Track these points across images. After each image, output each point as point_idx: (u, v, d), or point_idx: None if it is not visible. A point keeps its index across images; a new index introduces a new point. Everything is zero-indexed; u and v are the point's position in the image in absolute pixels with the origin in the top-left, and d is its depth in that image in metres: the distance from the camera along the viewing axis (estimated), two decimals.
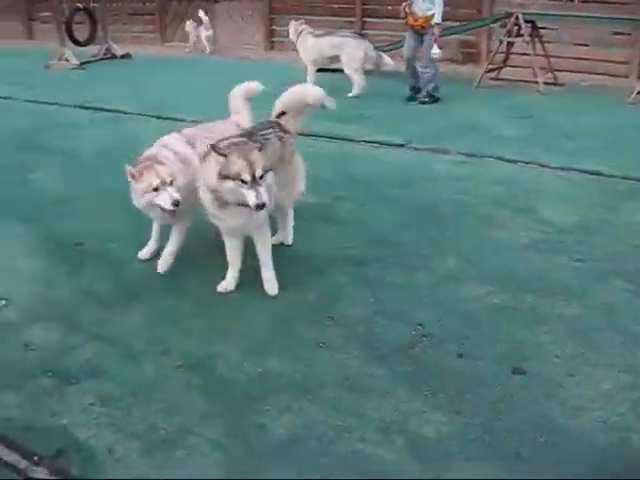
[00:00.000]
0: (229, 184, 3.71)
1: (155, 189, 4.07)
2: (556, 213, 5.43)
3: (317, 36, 10.10)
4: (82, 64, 13.45)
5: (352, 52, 9.74)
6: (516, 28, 10.51)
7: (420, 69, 9.37)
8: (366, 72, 10.00)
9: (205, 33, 14.67)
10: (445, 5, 9.25)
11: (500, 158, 6.88)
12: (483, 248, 4.86)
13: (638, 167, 6.44)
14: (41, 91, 11.22)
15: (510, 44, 10.88)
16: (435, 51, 8.92)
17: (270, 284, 4.27)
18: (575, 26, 11.27)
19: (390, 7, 12.02)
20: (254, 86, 5.28)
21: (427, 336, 3.79)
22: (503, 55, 10.98)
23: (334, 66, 10.33)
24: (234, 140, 3.92)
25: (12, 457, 3.00)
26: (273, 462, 2.91)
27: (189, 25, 15.02)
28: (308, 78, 10.01)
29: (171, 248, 4.57)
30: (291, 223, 4.90)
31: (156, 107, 9.35)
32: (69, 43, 13.93)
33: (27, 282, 4.56)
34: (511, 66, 10.95)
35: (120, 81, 11.92)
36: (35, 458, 2.98)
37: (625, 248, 4.82)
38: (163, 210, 4.14)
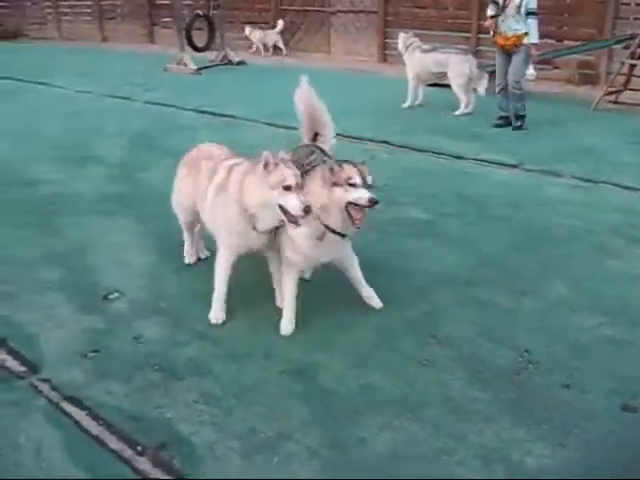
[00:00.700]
0: (338, 190, 3.68)
1: (287, 188, 3.60)
2: None
3: (424, 51, 10.01)
4: (199, 69, 13.85)
5: (456, 69, 9.59)
6: None
7: (511, 89, 8.74)
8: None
9: (271, 38, 16.10)
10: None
11: (617, 184, 6.61)
12: (596, 277, 4.68)
13: None
14: (159, 93, 11.63)
15: (632, 66, 10.49)
16: (531, 72, 8.72)
17: (374, 300, 4.24)
18: None
19: None
20: None
21: (533, 363, 3.68)
22: (624, 77, 10.59)
23: (444, 82, 10.24)
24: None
25: (118, 445, 3.10)
26: (370, 477, 2.89)
27: (249, 30, 16.25)
28: (409, 92, 9.97)
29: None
30: None
31: (270, 115, 9.50)
32: (188, 48, 14.36)
33: (138, 277, 4.72)
34: (632, 89, 10.54)
35: (235, 87, 12.21)
36: (139, 448, 3.07)
37: None
38: (286, 214, 3.62)
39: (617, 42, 11.17)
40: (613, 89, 10.50)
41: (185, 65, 13.92)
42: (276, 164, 3.65)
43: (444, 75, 9.87)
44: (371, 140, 8.12)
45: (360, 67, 13.92)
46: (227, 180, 3.93)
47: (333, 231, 3.78)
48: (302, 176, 3.73)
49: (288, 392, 3.43)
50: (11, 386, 3.53)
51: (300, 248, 3.85)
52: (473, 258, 4.94)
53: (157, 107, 10.62)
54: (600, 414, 3.28)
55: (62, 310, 4.28)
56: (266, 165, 3.64)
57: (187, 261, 4.87)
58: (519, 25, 8.44)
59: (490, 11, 8.77)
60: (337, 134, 8.15)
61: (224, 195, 3.91)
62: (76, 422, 3.25)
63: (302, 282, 4.14)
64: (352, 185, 3.64)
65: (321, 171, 3.76)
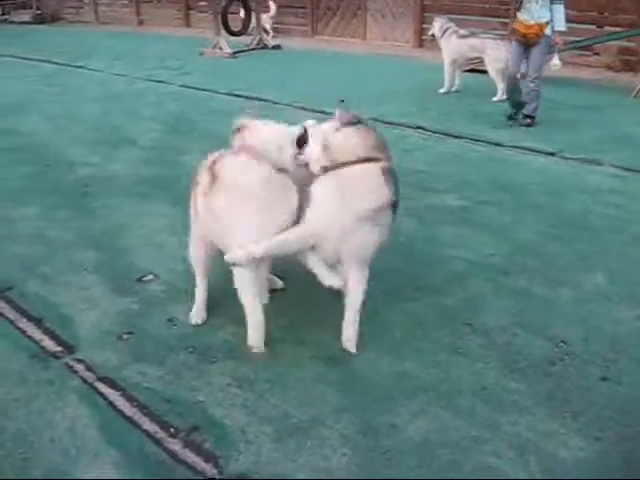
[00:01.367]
0: None
1: None
2: None
3: (461, 36, 9.87)
4: (234, 53, 13.84)
5: (493, 54, 9.42)
6: None
7: (528, 83, 8.03)
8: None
9: (265, 21, 15.56)
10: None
11: None
12: (635, 268, 4.59)
13: None
14: (194, 77, 11.65)
15: None
16: (555, 62, 8.22)
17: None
18: None
19: None
20: None
21: (570, 355, 3.62)
22: None
23: (483, 68, 10.09)
24: None
25: (151, 426, 3.12)
26: (403, 465, 2.87)
27: (242, 14, 15.37)
28: (445, 78, 9.85)
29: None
30: None
31: (305, 99, 9.46)
32: (223, 32, 14.35)
33: (172, 260, 4.72)
34: None
35: (270, 72, 12.18)
36: (172, 430, 3.09)
37: None
38: None
39: None
40: None
41: (220, 49, 13.92)
42: None
43: (481, 61, 9.75)
44: (407, 126, 8.05)
45: (396, 52, 13.79)
46: None
47: None
48: None
49: (321, 378, 3.42)
50: (47, 365, 3.56)
51: None
52: (510, 246, 4.87)
53: (192, 91, 10.64)
54: (637, 408, 3.21)
55: (97, 291, 4.32)
56: None
57: None
58: (543, 12, 7.69)
59: None
60: (373, 118, 8.21)
61: None
62: (110, 403, 3.28)
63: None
64: None
65: None
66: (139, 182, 6.26)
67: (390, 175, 3.53)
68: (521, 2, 7.80)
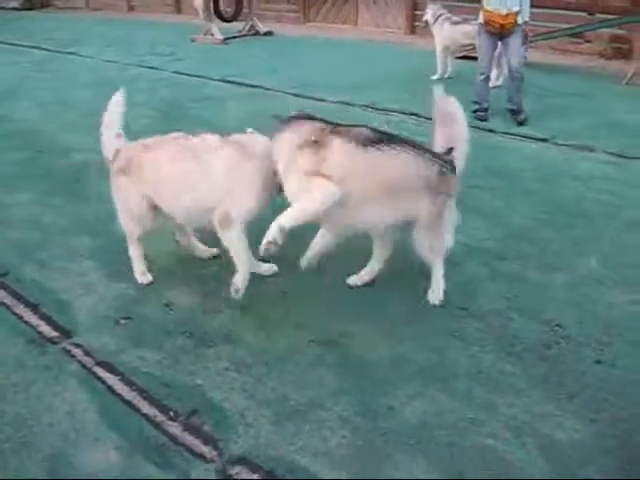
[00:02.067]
0: None
1: None
2: None
3: (454, 23, 9.84)
4: (226, 39, 13.78)
5: None
6: None
7: (514, 75, 7.72)
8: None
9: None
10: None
11: None
12: (628, 253, 4.62)
13: None
14: (186, 63, 11.61)
15: None
16: (524, 54, 8.07)
17: None
18: None
19: None
20: None
21: (565, 338, 3.65)
22: None
23: (474, 54, 10.08)
24: None
25: (150, 410, 3.14)
26: (401, 446, 2.90)
27: None
28: (438, 64, 9.84)
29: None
30: None
31: (297, 85, 9.45)
32: (215, 18, 14.27)
33: (166, 245, 4.72)
34: None
35: (262, 58, 12.13)
36: (171, 414, 3.11)
37: None
38: None
39: None
40: None
41: (212, 35, 13.86)
42: None
43: (473, 47, 9.73)
44: (400, 112, 8.05)
45: (388, 39, 13.76)
46: None
47: None
48: None
49: (318, 361, 3.44)
50: (45, 351, 3.58)
51: None
52: (503, 231, 4.90)
53: (184, 77, 10.60)
54: (632, 390, 3.25)
55: (93, 277, 4.33)
56: None
57: None
58: (515, 1, 7.40)
59: None
60: (365, 105, 8.21)
61: None
62: (109, 387, 3.30)
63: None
64: None
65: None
66: None
67: None
68: None
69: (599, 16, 11.99)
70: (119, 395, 3.24)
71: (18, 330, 3.77)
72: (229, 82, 10.04)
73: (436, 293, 3.99)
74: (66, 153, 6.77)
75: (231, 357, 3.48)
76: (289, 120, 3.83)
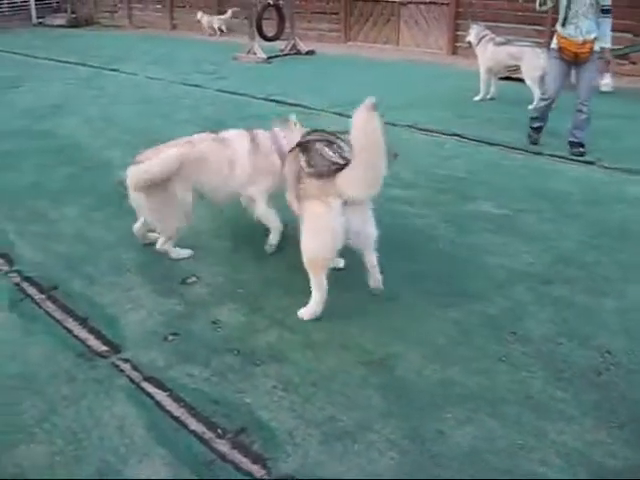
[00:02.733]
0: None
1: None
2: None
3: (497, 44, 9.82)
4: (268, 58, 13.91)
5: (531, 62, 9.34)
6: None
7: (581, 108, 7.17)
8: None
9: (219, 21, 18.33)
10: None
11: None
12: None
13: None
14: (229, 82, 11.73)
15: None
16: (606, 81, 7.62)
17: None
18: None
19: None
20: None
21: (615, 365, 3.59)
22: None
23: (517, 75, 10.04)
24: None
25: (198, 427, 3.15)
26: (451, 470, 2.87)
27: (200, 15, 18.34)
28: (481, 85, 9.81)
29: None
30: None
31: (339, 104, 9.48)
32: (257, 37, 14.42)
33: (214, 262, 4.78)
34: None
35: (304, 77, 12.23)
36: (219, 431, 3.11)
37: None
38: None
39: None
40: None
41: (255, 54, 14.00)
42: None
43: (517, 68, 9.71)
44: (443, 133, 8.03)
45: (429, 59, 13.77)
46: None
47: None
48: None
49: (365, 382, 3.43)
50: (94, 365, 3.62)
51: None
52: (550, 255, 4.85)
53: (228, 95, 10.70)
54: None
55: (141, 292, 4.37)
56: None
57: None
58: (592, 26, 6.86)
59: (543, 2, 7.15)
60: (407, 125, 8.21)
61: None
62: (157, 402, 3.32)
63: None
64: None
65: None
66: None
67: None
68: (566, 16, 6.93)
69: None
70: (167, 411, 3.26)
71: (68, 344, 3.82)
72: (272, 100, 10.12)
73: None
74: (111, 169, 6.86)
75: (278, 376, 3.48)
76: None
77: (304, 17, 16.54)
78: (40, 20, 22.36)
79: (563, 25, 6.99)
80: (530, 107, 9.24)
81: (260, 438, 3.06)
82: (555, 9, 7.25)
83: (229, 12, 18.32)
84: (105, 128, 8.62)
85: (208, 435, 3.10)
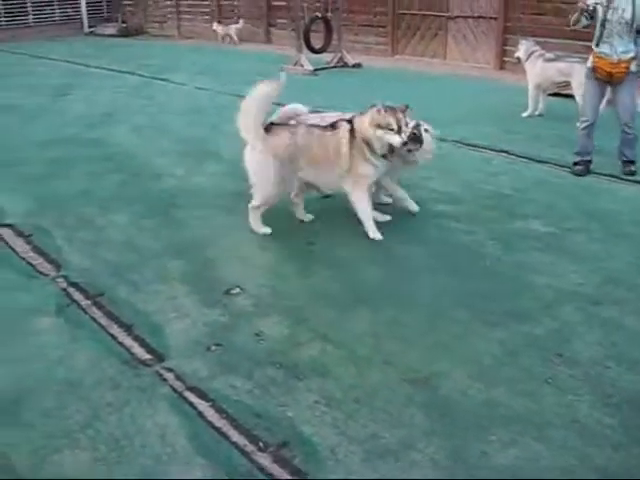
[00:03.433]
0: (379, 132, 5.13)
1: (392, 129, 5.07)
2: None
3: (547, 60, 9.69)
4: (315, 70, 13.96)
5: (580, 78, 9.19)
6: None
7: (626, 129, 6.93)
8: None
9: (234, 29, 19.35)
10: None
11: None
12: None
13: None
14: None
15: None
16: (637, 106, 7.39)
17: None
18: None
19: None
20: None
21: None
22: None
23: (566, 92, 9.90)
24: None
25: (240, 439, 3.15)
26: None
27: (216, 25, 19.59)
28: (529, 101, 9.69)
29: None
30: None
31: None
32: (305, 49, 14.48)
33: (258, 274, 4.80)
34: None
35: (350, 89, 12.22)
36: (261, 444, 3.11)
37: None
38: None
39: None
40: None
41: (302, 66, 14.06)
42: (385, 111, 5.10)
43: (567, 85, 9.57)
44: (490, 149, 7.94)
45: (477, 74, 13.66)
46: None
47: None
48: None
49: (409, 400, 3.39)
50: (138, 373, 3.65)
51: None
52: (599, 275, 4.75)
53: (274, 106, 10.72)
54: None
55: (186, 301, 4.40)
56: (379, 112, 5.12)
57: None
58: (629, 46, 6.65)
59: (578, 20, 6.98)
60: (455, 141, 8.14)
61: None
62: (199, 413, 3.33)
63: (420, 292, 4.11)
64: (390, 129, 5.06)
65: (370, 113, 5.18)
66: (224, 195, 6.35)
67: None
68: (600, 35, 6.76)
69: None
70: (209, 422, 3.27)
71: (113, 350, 3.86)
72: (319, 112, 10.13)
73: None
74: (159, 178, 6.95)
75: (321, 391, 3.46)
76: None
77: (351, 30, 16.56)
78: (91, 29, 22.80)
79: (597, 44, 6.85)
80: (579, 124, 9.11)
81: (301, 453, 3.04)
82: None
83: (241, 22, 19.43)
84: (154, 137, 8.74)
85: (249, 448, 3.09)
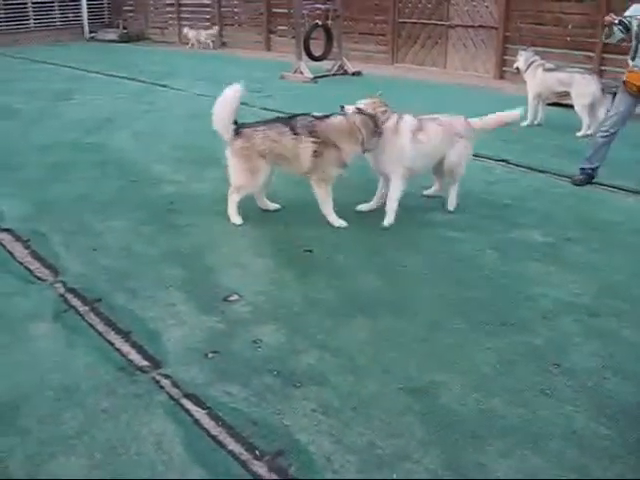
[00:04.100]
0: None
1: None
2: None
3: (547, 70, 9.71)
4: (315, 78, 13.98)
5: (581, 89, 9.21)
6: None
7: None
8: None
9: (205, 35, 19.95)
10: None
11: None
12: None
13: None
14: (275, 101, 11.78)
15: None
16: None
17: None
18: None
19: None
20: None
21: None
22: None
23: (566, 101, 9.92)
24: None
25: (236, 447, 3.14)
26: None
27: (187, 30, 20.23)
28: (529, 111, 9.69)
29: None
30: None
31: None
32: (305, 57, 14.50)
33: (256, 281, 4.79)
34: None
35: (350, 97, 12.20)
36: (257, 452, 3.10)
37: None
38: None
39: None
40: None
41: (301, 73, 14.08)
42: None
43: (567, 95, 9.59)
44: (489, 158, 7.95)
45: (476, 83, 13.69)
46: None
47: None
48: None
49: (407, 409, 3.39)
50: (135, 379, 3.64)
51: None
52: (597, 286, 4.75)
53: (273, 113, 10.73)
54: None
55: (183, 308, 4.39)
56: None
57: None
58: None
59: (610, 34, 6.81)
60: None
61: None
62: (196, 420, 3.32)
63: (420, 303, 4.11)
64: None
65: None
66: (222, 202, 6.30)
67: None
68: (636, 49, 6.59)
69: None
70: (206, 429, 3.26)
71: (110, 357, 3.85)
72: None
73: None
74: (158, 184, 6.95)
75: (318, 399, 3.45)
76: None
77: (352, 38, 16.60)
78: (92, 35, 22.81)
79: (633, 58, 6.69)
80: (579, 134, 9.14)
81: (298, 461, 3.03)
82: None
83: (215, 28, 20.08)
84: (154, 143, 8.73)
85: (245, 456, 3.09)
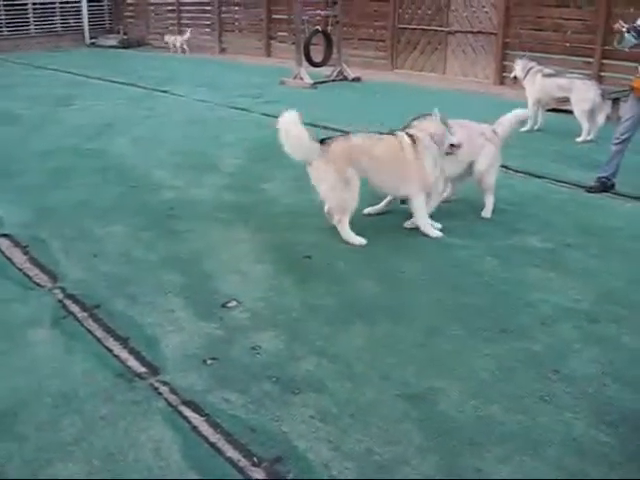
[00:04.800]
0: None
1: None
2: None
3: (546, 75, 9.73)
4: (315, 84, 14.00)
5: (580, 94, 9.23)
6: None
7: None
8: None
9: (180, 40, 20.48)
10: None
11: None
12: None
13: None
14: (275, 106, 11.73)
15: None
16: None
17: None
18: None
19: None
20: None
21: None
22: None
23: (565, 107, 9.92)
24: None
25: (234, 454, 3.14)
26: None
27: (167, 37, 20.78)
28: (528, 117, 9.67)
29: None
30: None
31: (386, 131, 9.48)
32: (304, 63, 14.52)
33: (255, 287, 4.78)
34: None
35: (349, 103, 12.27)
36: (255, 459, 3.09)
37: None
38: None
39: None
40: None
41: (301, 79, 14.10)
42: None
43: (566, 100, 9.60)
44: None
45: (476, 89, 13.71)
46: None
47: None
48: None
49: (404, 416, 3.38)
50: (133, 386, 3.63)
51: None
52: (597, 292, 4.74)
53: (274, 119, 10.72)
54: None
55: (182, 314, 4.38)
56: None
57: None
58: None
59: (621, 40, 6.79)
60: None
61: None
62: (194, 427, 3.31)
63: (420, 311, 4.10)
64: None
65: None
66: (222, 208, 6.36)
67: None
68: None
69: None
70: (204, 436, 3.25)
71: (108, 363, 3.84)
72: (318, 126, 10.14)
73: None
74: (158, 189, 6.96)
75: (317, 406, 3.45)
76: None
77: (351, 44, 16.64)
78: (93, 40, 22.88)
79: None
80: (578, 139, 9.14)
81: (296, 468, 3.03)
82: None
83: (188, 33, 20.58)
84: (154, 148, 8.74)
85: (243, 463, 3.08)
